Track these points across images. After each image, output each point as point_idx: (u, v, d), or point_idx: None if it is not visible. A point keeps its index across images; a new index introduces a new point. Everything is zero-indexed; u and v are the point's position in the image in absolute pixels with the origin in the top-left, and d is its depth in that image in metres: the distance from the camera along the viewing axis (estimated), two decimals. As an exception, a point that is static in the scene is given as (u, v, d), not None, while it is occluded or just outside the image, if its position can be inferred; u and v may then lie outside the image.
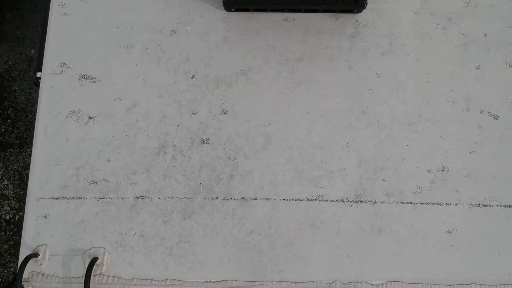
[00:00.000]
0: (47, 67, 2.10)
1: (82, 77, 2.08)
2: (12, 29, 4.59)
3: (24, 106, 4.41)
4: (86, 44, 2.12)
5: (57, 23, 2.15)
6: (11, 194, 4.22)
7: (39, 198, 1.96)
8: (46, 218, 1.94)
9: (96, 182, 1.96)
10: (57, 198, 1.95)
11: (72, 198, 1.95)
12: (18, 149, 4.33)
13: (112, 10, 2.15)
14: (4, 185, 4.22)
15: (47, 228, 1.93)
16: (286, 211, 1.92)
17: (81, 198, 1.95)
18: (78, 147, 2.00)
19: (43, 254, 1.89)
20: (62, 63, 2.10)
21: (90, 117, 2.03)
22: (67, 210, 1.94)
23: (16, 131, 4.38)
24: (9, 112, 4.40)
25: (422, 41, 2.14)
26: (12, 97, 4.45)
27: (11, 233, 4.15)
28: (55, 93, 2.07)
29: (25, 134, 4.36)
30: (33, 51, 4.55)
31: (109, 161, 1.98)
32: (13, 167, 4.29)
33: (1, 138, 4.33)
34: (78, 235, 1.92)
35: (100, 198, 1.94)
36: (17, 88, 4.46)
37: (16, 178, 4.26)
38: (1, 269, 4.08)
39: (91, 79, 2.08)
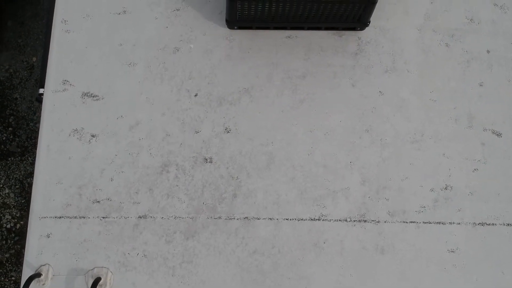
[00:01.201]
0: (50, 85, 2.10)
1: (85, 94, 2.08)
2: (13, 37, 4.59)
3: (25, 114, 4.41)
4: (89, 61, 2.12)
5: (60, 40, 2.15)
6: (12, 203, 4.22)
7: (41, 217, 1.96)
8: (49, 237, 1.94)
9: (99, 201, 1.96)
10: (60, 217, 1.95)
11: (75, 217, 1.95)
12: (19, 158, 4.33)
13: (115, 27, 2.15)
14: (5, 193, 4.22)
15: (50, 248, 1.93)
16: (289, 231, 1.92)
17: (84, 218, 1.95)
18: (81, 165, 2.00)
19: (45, 274, 1.89)
20: (65, 80, 2.10)
21: (93, 135, 2.03)
22: (70, 229, 1.94)
23: (17, 139, 4.38)
24: (10, 120, 4.40)
25: (425, 58, 2.14)
26: (13, 105, 4.45)
27: (12, 242, 4.15)
28: (57, 111, 2.06)
29: (26, 142, 4.36)
30: (34, 59, 4.55)
31: (112, 180, 1.98)
32: (14, 176, 4.29)
33: (2, 146, 4.33)
34: (81, 254, 1.91)
35: (103, 218, 1.94)
36: (18, 96, 4.46)
37: (17, 186, 4.26)
38: (3, 278, 4.08)
39: (93, 96, 2.07)
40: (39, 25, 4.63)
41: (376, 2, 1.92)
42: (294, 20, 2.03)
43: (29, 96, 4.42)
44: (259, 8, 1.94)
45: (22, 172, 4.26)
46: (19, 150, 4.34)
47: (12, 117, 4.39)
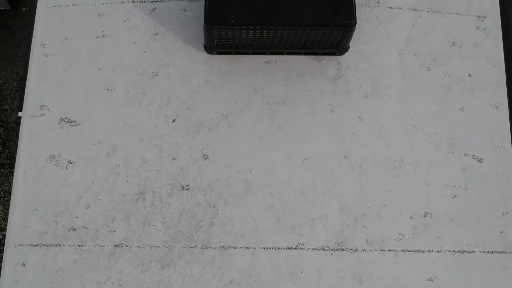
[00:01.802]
0: (28, 110, 2.08)
1: (63, 120, 2.06)
2: (3, 48, 4.58)
3: (15, 125, 4.39)
4: (68, 85, 2.10)
5: (38, 63, 2.14)
6: (1, 215, 4.21)
7: (17, 245, 1.94)
8: (24, 265, 1.92)
9: (75, 229, 1.94)
10: (36, 245, 1.94)
11: (51, 245, 1.94)
12: (9, 169, 4.32)
13: (94, 51, 2.13)
14: (-6, 205, 4.21)
15: (26, 276, 1.92)
16: (266, 260, 1.90)
17: (60, 246, 1.93)
18: (58, 192, 1.99)
19: (21, 303, 1.88)
20: (43, 105, 2.08)
21: (70, 162, 2.01)
22: (46, 257, 1.93)
23: (7, 150, 4.37)
24: (0, 131, 4.39)
25: (405, 83, 2.12)
26: (3, 116, 4.44)
27: (1, 254, 4.14)
28: (35, 136, 2.05)
29: (16, 154, 4.34)
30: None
31: (88, 207, 1.96)
32: (4, 188, 4.28)
33: (-8, 158, 4.32)
34: (56, 283, 1.90)
35: (79, 246, 1.93)
36: (8, 108, 4.45)
37: (6, 198, 4.25)
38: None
39: (71, 122, 2.06)
40: (29, 36, 4.62)
41: (354, 29, 1.90)
42: (272, 46, 2.01)
43: (19, 107, 4.41)
44: (236, 35, 1.92)
45: (12, 184, 4.24)
46: (8, 161, 4.33)
47: (1, 128, 4.38)
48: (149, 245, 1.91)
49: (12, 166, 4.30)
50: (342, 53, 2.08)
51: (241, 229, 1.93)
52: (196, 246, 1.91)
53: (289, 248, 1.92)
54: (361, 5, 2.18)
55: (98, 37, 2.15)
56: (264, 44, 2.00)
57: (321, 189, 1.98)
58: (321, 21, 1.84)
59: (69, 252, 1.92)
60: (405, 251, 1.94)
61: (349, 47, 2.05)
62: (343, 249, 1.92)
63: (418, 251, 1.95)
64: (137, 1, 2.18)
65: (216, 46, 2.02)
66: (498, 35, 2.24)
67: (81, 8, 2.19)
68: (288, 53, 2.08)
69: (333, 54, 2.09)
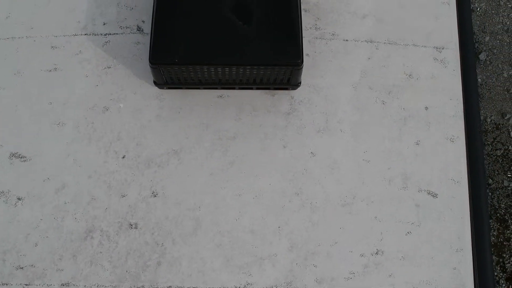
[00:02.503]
0: (-22, 144, 2.06)
1: (13, 155, 2.05)
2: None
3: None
4: (19, 120, 2.09)
5: (-10, 97, 2.12)
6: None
7: (-36, 284, 1.93)
8: (-30, 305, 1.91)
9: (22, 268, 1.93)
10: (-17, 284, 1.92)
11: (-2, 284, 1.92)
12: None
13: (46, 85, 2.12)
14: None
15: (-28, 316, 1.90)
16: (213, 301, 1.89)
17: (6, 285, 1.92)
18: (6, 229, 1.97)
19: None
20: (-7, 140, 2.07)
21: (19, 198, 2.00)
22: (-8, 296, 1.91)
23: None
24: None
25: (359, 117, 2.10)
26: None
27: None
28: (-15, 172, 2.03)
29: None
30: None
31: (36, 245, 1.95)
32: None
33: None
34: (2, 323, 1.89)
35: (26, 285, 1.91)
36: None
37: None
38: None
39: (21, 157, 2.04)
40: None
41: (302, 67, 1.88)
42: (222, 83, 1.99)
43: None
44: (184, 74, 1.90)
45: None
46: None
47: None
48: (96, 285, 1.90)
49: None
50: (294, 88, 2.06)
51: (188, 269, 1.91)
52: (143, 286, 1.89)
53: (236, 288, 1.90)
54: (316, 38, 2.16)
55: (50, 71, 2.13)
56: (213, 81, 1.98)
57: (271, 227, 1.97)
58: (267, 61, 1.82)
59: (15, 292, 1.91)
60: (355, 290, 1.92)
61: (300, 83, 2.03)
62: (291, 289, 1.90)
63: (368, 290, 1.93)
64: (90, 34, 2.16)
65: (165, 82, 2.00)
66: (457, 66, 2.22)
67: (34, 41, 2.17)
68: (240, 88, 2.06)
69: (286, 89, 2.07)
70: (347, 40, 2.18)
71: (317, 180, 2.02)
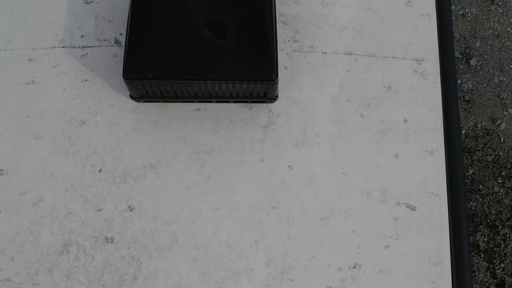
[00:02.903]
0: (-45, 158, 2.06)
1: (-10, 169, 2.04)
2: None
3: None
4: (-4, 133, 2.08)
5: (-33, 110, 2.11)
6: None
7: None
8: None
9: (-3, 282, 1.92)
10: (-42, 298, 1.92)
11: (-27, 299, 1.92)
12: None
13: (23, 98, 2.11)
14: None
15: None
16: (188, 316, 1.88)
17: (-19, 300, 1.91)
18: (-18, 244, 1.96)
19: None
20: (-30, 153, 2.06)
21: (-5, 212, 1.99)
22: (-32, 311, 1.91)
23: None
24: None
25: (338, 130, 2.10)
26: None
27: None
28: (-39, 186, 2.03)
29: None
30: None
31: (12, 259, 1.94)
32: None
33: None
34: (-23, 338, 1.88)
35: (1, 300, 1.91)
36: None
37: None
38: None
39: (-2, 171, 2.04)
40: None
41: (277, 81, 1.88)
42: (198, 96, 1.99)
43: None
44: (159, 88, 1.90)
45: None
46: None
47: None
48: (71, 300, 1.89)
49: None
50: (272, 102, 2.05)
51: (164, 284, 1.91)
52: (118, 301, 1.88)
53: (212, 303, 1.89)
54: (294, 51, 2.16)
55: (27, 83, 2.13)
56: (190, 95, 1.97)
57: (248, 241, 1.96)
58: (241, 76, 1.81)
59: (-10, 307, 1.90)
60: (332, 304, 1.92)
61: (277, 96, 2.03)
62: (267, 304, 1.90)
63: (345, 304, 1.92)
64: (67, 47, 2.16)
65: (141, 96, 1.99)
66: (436, 78, 2.22)
67: (12, 53, 2.17)
68: (218, 101, 2.06)
69: (263, 102, 2.06)
70: (325, 53, 2.17)
71: (294, 194, 2.02)
